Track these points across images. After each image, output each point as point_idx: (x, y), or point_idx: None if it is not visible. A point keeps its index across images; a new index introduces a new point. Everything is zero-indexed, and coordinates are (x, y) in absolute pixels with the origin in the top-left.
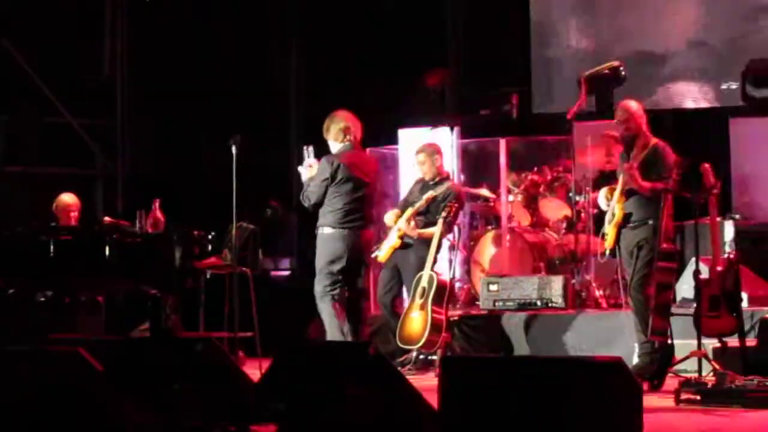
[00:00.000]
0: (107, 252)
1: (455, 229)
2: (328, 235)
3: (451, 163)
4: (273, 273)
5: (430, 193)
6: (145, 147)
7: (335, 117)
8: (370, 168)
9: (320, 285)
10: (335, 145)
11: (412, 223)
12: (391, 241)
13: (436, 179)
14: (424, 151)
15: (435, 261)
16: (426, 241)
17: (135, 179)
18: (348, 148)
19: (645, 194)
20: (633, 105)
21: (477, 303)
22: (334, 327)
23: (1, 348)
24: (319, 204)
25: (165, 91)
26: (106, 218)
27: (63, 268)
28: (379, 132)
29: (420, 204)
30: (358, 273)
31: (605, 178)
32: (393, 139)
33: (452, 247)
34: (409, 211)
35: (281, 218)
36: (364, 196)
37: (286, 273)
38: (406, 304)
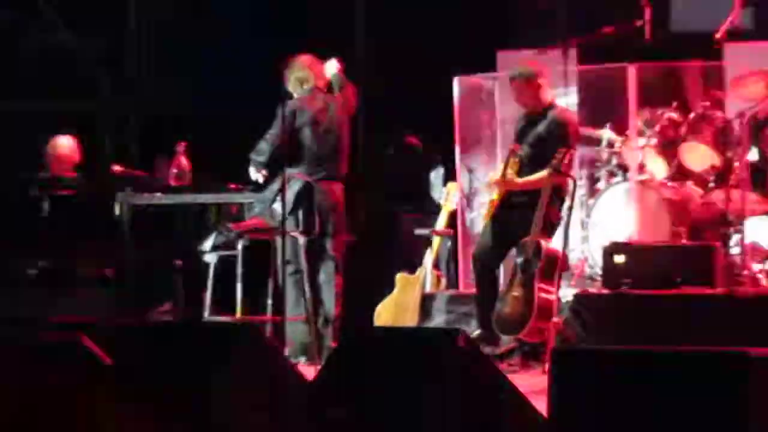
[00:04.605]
0: (117, 211)
1: (569, 182)
2: (288, 190)
3: (564, 97)
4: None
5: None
6: (167, 74)
7: (293, 65)
8: (339, 112)
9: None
10: (293, 93)
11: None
12: (490, 197)
13: (539, 111)
14: (520, 76)
15: (543, 224)
16: (533, 196)
17: (154, 117)
18: (306, 94)
19: None
20: None
21: (597, 279)
22: (292, 299)
23: None
24: (268, 164)
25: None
26: (117, 167)
27: (61, 232)
28: (473, 56)
29: (520, 154)
30: (326, 233)
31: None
32: (490, 65)
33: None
34: (508, 165)
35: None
36: (330, 144)
37: (350, 239)
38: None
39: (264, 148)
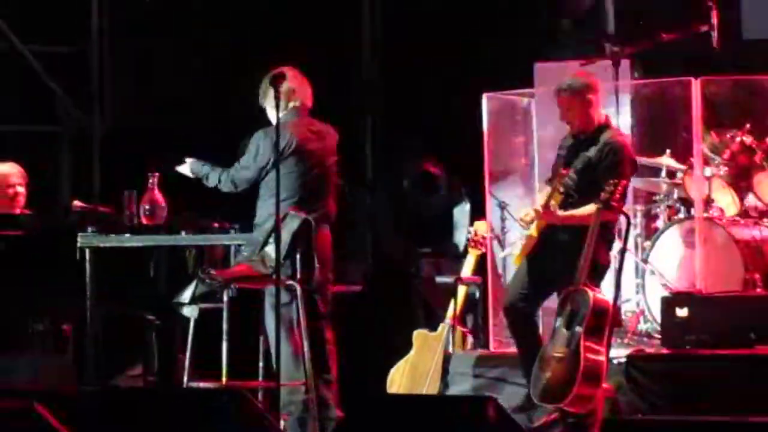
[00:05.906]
0: (77, 255)
1: (621, 219)
2: (284, 229)
3: (616, 117)
4: (334, 288)
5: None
6: (135, 92)
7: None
8: (327, 142)
9: (270, 297)
10: (274, 113)
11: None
12: (526, 233)
13: (590, 132)
14: (569, 88)
15: (590, 270)
16: (578, 234)
17: (121, 141)
18: (293, 116)
19: None
20: None
21: (655, 337)
22: (287, 356)
23: None
24: (245, 187)
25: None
26: (76, 202)
27: (7, 280)
28: (506, 68)
29: (566, 182)
30: (316, 283)
31: None
32: (526, 79)
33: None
34: (552, 195)
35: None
36: (320, 181)
37: (356, 288)
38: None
39: (243, 175)
